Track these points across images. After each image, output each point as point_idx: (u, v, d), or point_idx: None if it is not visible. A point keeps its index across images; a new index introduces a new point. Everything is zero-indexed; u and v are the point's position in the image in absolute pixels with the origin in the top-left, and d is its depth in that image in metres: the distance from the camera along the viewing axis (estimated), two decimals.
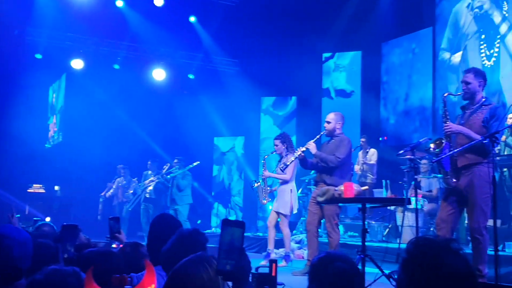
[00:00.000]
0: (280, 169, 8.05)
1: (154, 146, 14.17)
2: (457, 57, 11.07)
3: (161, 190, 11.86)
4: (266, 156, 8.69)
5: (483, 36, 10.62)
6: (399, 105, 12.74)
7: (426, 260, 1.59)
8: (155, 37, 13.90)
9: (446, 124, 5.03)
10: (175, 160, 11.50)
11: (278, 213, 8.09)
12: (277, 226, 8.19)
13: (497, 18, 10.33)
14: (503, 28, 10.14)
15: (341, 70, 13.75)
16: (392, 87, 13.03)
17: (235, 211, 14.22)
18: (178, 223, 3.25)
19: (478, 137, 4.80)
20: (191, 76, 15.17)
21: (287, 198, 8.00)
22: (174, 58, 14.78)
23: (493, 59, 10.29)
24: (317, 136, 6.75)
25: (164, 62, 14.59)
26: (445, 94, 5.30)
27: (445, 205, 5.07)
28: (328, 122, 6.73)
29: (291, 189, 8.04)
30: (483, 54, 10.53)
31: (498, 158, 7.70)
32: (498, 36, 10.23)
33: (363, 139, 11.02)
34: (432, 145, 5.04)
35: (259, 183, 8.70)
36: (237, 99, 14.20)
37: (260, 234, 11.52)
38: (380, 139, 12.82)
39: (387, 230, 9.48)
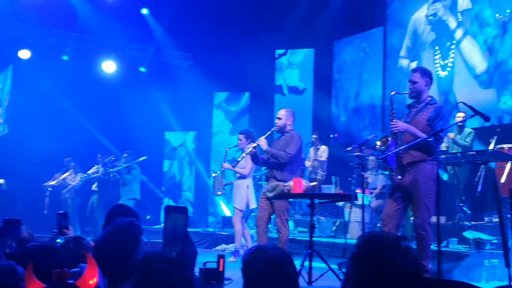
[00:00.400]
0: (227, 166, 8.12)
1: (103, 140, 13.92)
2: (413, 66, 11.13)
3: (106, 183, 11.65)
4: (227, 149, 8.66)
5: (437, 47, 10.85)
6: (350, 103, 12.92)
7: (375, 256, 1.61)
8: (106, 28, 13.64)
9: (393, 122, 5.11)
10: (125, 155, 11.35)
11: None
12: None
13: (452, 23, 10.56)
14: (458, 34, 10.38)
15: (294, 67, 13.83)
16: (344, 85, 13.20)
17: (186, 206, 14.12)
18: (134, 215, 3.18)
19: (424, 135, 4.90)
20: (142, 69, 14.97)
21: (243, 193, 8.04)
22: (125, 50, 14.57)
23: (448, 69, 10.52)
24: (268, 132, 6.76)
25: (114, 54, 14.35)
26: (392, 93, 5.37)
27: (391, 202, 5.15)
28: (279, 119, 6.74)
29: (247, 185, 8.07)
30: (438, 65, 10.74)
31: (443, 156, 7.91)
32: (454, 41, 10.47)
33: (314, 136, 11.11)
34: (378, 143, 5.11)
35: (216, 174, 8.70)
36: (189, 94, 14.11)
37: (211, 230, 11.49)
38: (331, 136, 12.97)
39: (336, 226, 9.60)
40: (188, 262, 2.13)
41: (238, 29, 13.91)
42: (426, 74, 5.24)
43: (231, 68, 14.28)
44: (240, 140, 8.09)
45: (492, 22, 10.01)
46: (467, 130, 8.77)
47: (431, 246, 4.99)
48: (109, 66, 14.29)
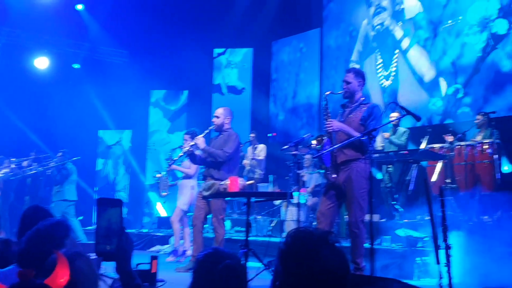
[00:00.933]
0: (168, 164, 8.01)
1: (35, 138, 13.46)
2: None
3: (11, 182, 11.26)
4: (172, 149, 8.54)
5: (379, 56, 11.03)
6: (288, 102, 13.04)
7: (302, 252, 1.60)
8: (39, 24, 13.22)
9: (327, 122, 5.16)
10: (59, 154, 11.01)
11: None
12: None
13: (398, 33, 10.75)
14: (405, 43, 10.58)
15: (233, 66, 13.82)
16: (281, 84, 13.32)
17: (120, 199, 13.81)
18: (49, 216, 3.05)
19: (357, 134, 4.97)
20: (76, 66, 14.59)
21: (188, 194, 7.96)
22: (59, 46, 14.16)
23: (391, 78, 10.70)
24: (206, 131, 6.72)
25: (47, 50, 13.93)
26: (327, 93, 5.42)
27: (325, 200, 5.21)
28: (217, 117, 6.72)
29: (192, 185, 7.99)
30: (380, 74, 10.91)
31: (377, 155, 8.07)
32: (396, 51, 10.66)
33: (252, 135, 11.13)
34: (314, 142, 5.16)
35: (161, 175, 8.58)
36: (125, 91, 13.81)
37: (145, 230, 11.31)
38: (269, 135, 13.02)
39: (272, 225, 9.63)
40: (125, 256, 2.06)
41: (176, 27, 13.76)
42: (360, 74, 5.35)
43: (169, 66, 14.12)
44: (186, 140, 8.01)
45: (424, 25, 10.30)
46: (402, 129, 8.98)
47: (364, 244, 5.06)
48: (42, 62, 13.86)
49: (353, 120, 5.19)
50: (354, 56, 11.68)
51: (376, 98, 10.59)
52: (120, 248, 2.00)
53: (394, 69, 10.72)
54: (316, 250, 1.59)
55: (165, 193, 8.66)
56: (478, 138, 7.99)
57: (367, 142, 4.78)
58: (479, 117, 8.16)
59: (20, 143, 12.86)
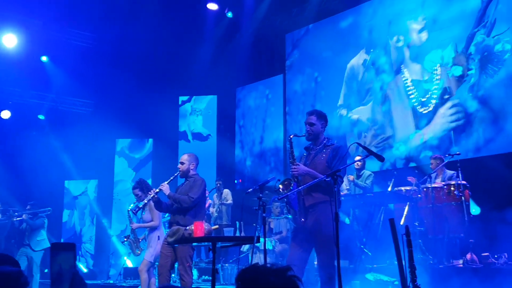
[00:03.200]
0: (132, 212, 7.84)
1: (1, 189, 13.10)
2: (355, 114, 11.19)
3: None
4: (129, 209, 8.37)
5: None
6: (255, 147, 13.07)
7: (254, 281, 1.70)
8: (4, 76, 13.12)
9: (294, 166, 5.12)
10: (28, 207, 10.73)
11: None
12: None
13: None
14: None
15: (198, 113, 13.84)
16: (249, 130, 13.38)
17: (86, 259, 13.50)
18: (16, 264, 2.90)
19: (323, 177, 4.91)
20: (41, 117, 14.43)
21: (153, 245, 7.79)
22: (23, 97, 14.03)
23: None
24: (171, 178, 6.61)
25: (12, 101, 13.79)
26: (291, 136, 5.36)
27: (294, 245, 5.10)
28: (182, 163, 6.64)
29: (158, 236, 7.83)
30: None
31: (343, 198, 8.06)
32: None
33: (218, 182, 11.07)
34: (280, 186, 5.07)
35: (128, 237, 8.40)
36: (90, 141, 13.69)
37: (111, 282, 11.02)
38: (236, 181, 12.96)
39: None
40: None
41: (141, 76, 13.79)
42: (322, 116, 5.33)
43: (134, 114, 14.07)
44: (137, 195, 7.91)
45: (387, 69, 10.53)
46: (367, 172, 9.03)
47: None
48: (5, 114, 13.70)
49: (319, 163, 5.14)
50: (340, 101, 11.51)
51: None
52: None
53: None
54: (266, 277, 1.69)
55: (139, 252, 8.49)
56: (438, 180, 8.03)
57: (332, 184, 4.74)
58: (432, 161, 8.23)
59: None
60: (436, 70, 9.70)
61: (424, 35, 10.01)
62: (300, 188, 4.88)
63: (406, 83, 10.15)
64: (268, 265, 1.74)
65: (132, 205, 8.33)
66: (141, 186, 7.93)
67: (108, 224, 13.57)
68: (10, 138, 13.66)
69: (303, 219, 5.06)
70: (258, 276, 1.68)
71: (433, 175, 8.09)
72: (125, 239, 8.54)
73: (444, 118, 9.50)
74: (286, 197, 5.13)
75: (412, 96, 10.03)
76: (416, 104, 9.94)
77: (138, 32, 13.36)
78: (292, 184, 5.09)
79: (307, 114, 5.39)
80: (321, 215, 4.97)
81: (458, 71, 9.37)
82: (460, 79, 9.34)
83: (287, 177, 5.30)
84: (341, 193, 8.70)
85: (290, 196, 5.02)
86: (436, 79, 9.67)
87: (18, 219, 10.59)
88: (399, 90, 10.27)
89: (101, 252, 13.42)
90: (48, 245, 10.39)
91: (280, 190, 5.17)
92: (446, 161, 8.03)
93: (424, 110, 9.80)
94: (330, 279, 4.92)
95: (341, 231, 4.48)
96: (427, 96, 9.77)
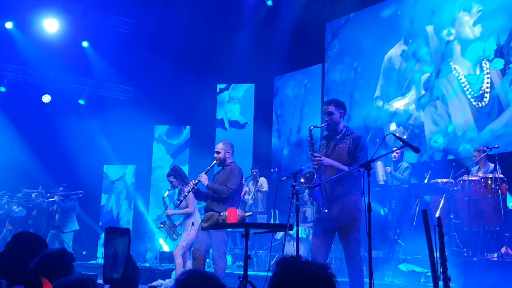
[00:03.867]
0: (174, 205, 8.01)
1: (40, 172, 13.46)
2: (393, 105, 11.08)
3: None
4: (164, 196, 8.54)
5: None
6: (292, 137, 13.09)
7: (288, 272, 1.66)
8: (46, 61, 13.44)
9: (316, 157, 5.09)
10: (60, 188, 11.01)
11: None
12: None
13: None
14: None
15: (235, 101, 13.91)
16: (286, 119, 13.39)
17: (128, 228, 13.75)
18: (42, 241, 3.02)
19: (346, 168, 4.92)
20: (81, 102, 14.72)
21: (188, 231, 7.94)
22: (64, 82, 14.34)
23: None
24: (208, 168, 6.70)
25: (53, 86, 14.10)
26: (311, 127, 5.35)
27: (318, 235, 5.14)
28: (218, 152, 6.71)
29: (192, 222, 7.96)
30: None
31: (377, 189, 8.02)
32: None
33: (255, 171, 11.16)
34: (302, 179, 5.04)
35: (164, 224, 8.59)
36: (129, 127, 13.89)
37: (147, 265, 11.24)
38: (272, 170, 13.02)
39: (274, 259, 9.54)
40: (131, 284, 2.06)
41: (180, 63, 13.92)
42: (340, 105, 5.29)
43: (172, 101, 14.25)
44: (172, 182, 8.05)
45: (428, 60, 10.40)
46: (405, 164, 8.97)
47: (363, 278, 4.98)
48: (47, 98, 14.04)
49: (340, 153, 5.12)
50: (377, 92, 11.39)
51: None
52: (127, 276, 2.01)
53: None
54: (300, 267, 1.67)
55: (176, 237, 8.66)
56: (480, 173, 7.96)
57: (357, 175, 4.75)
58: (476, 153, 8.14)
59: (24, 178, 12.85)
60: (478, 62, 9.54)
61: (467, 27, 9.84)
62: (329, 179, 4.87)
63: (446, 75, 10.01)
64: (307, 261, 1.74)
65: (167, 192, 8.48)
66: (175, 174, 8.06)
67: (145, 209, 13.82)
68: (51, 122, 13.95)
69: (326, 210, 5.07)
70: (298, 264, 1.69)
71: (474, 168, 8.05)
72: (162, 225, 8.71)
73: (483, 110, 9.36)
74: (309, 189, 5.12)
75: (452, 87, 9.89)
76: (456, 96, 9.80)
77: (177, 19, 13.51)
78: (315, 176, 5.09)
79: (325, 103, 5.34)
80: (345, 205, 4.99)
81: (499, 64, 9.20)
82: (502, 72, 9.18)
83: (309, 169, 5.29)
84: (379, 183, 8.70)
85: (314, 188, 5.02)
86: (478, 72, 9.51)
87: (50, 199, 10.86)
88: (438, 81, 10.14)
89: (138, 235, 13.67)
90: (77, 227, 10.68)
91: (302, 183, 5.15)
92: (485, 154, 7.96)
93: (465, 102, 9.66)
94: (360, 268, 4.94)
95: (373, 221, 4.48)
96: (468, 88, 9.62)
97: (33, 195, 11.44)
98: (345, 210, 4.97)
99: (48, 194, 10.80)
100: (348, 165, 4.99)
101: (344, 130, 5.25)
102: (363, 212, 4.48)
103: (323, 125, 5.31)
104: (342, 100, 5.34)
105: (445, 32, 10.20)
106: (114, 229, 2.03)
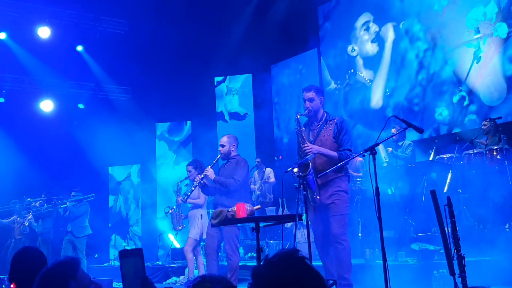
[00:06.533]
0: (182, 200, 8.02)
1: (46, 179, 13.49)
2: (391, 85, 11.11)
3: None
4: (179, 183, 8.55)
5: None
6: (291, 125, 13.03)
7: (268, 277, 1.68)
8: (42, 68, 13.43)
9: (305, 145, 5.11)
10: (72, 193, 11.02)
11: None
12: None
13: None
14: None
15: (234, 93, 13.89)
16: (284, 107, 13.34)
17: (134, 241, 13.85)
18: (42, 258, 3.01)
19: (335, 154, 5.05)
20: (81, 106, 14.72)
21: (197, 223, 7.95)
22: (63, 88, 14.33)
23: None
24: (214, 161, 6.71)
25: (51, 93, 14.10)
26: (298, 115, 5.33)
27: (315, 222, 5.22)
28: (222, 146, 6.72)
29: (201, 214, 8.00)
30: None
31: (384, 169, 7.99)
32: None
33: (258, 160, 11.15)
34: (295, 170, 5.02)
35: (173, 210, 8.60)
36: (130, 127, 13.92)
37: (160, 263, 11.29)
38: (276, 158, 13.01)
39: (286, 247, 9.57)
40: None
41: (175, 59, 13.90)
42: (320, 91, 5.34)
43: (171, 98, 14.24)
44: (190, 171, 8.05)
45: (422, 36, 10.33)
46: (406, 142, 8.92)
47: (350, 258, 5.02)
48: (47, 105, 14.05)
49: (326, 139, 5.18)
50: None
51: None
52: None
53: None
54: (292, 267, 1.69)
55: (180, 227, 8.67)
56: (488, 142, 7.95)
57: (345, 159, 4.86)
58: (485, 123, 8.10)
59: (33, 186, 12.88)
60: (478, 28, 9.38)
61: None
62: (332, 169, 4.91)
63: (444, 46, 9.92)
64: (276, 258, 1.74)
65: (184, 180, 8.50)
66: (195, 164, 8.05)
67: (153, 206, 13.85)
68: (53, 129, 13.96)
69: (318, 196, 5.12)
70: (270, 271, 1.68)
71: (482, 139, 8.05)
72: (170, 210, 8.71)
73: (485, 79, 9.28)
74: (301, 178, 5.13)
75: (452, 59, 9.79)
76: (457, 66, 9.69)
77: (170, 16, 13.46)
78: (310, 166, 5.09)
79: (305, 90, 5.37)
80: (334, 189, 5.11)
81: (503, 28, 9.03)
82: (504, 37, 9.02)
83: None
84: (382, 165, 8.68)
85: (307, 177, 5.04)
86: (479, 38, 9.36)
87: (63, 206, 10.88)
88: (436, 55, 10.07)
89: (148, 234, 13.73)
90: (90, 231, 10.70)
91: (296, 173, 5.14)
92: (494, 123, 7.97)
93: (466, 72, 9.53)
94: (344, 248, 5.01)
95: (381, 202, 4.47)
96: (469, 56, 9.50)
97: (36, 204, 11.44)
98: (333, 193, 5.08)
99: (60, 202, 10.80)
100: (334, 150, 5.09)
101: (325, 116, 5.27)
102: (349, 195, 4.81)
103: (306, 112, 5.28)
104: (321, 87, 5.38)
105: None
106: (127, 251, 2.08)
